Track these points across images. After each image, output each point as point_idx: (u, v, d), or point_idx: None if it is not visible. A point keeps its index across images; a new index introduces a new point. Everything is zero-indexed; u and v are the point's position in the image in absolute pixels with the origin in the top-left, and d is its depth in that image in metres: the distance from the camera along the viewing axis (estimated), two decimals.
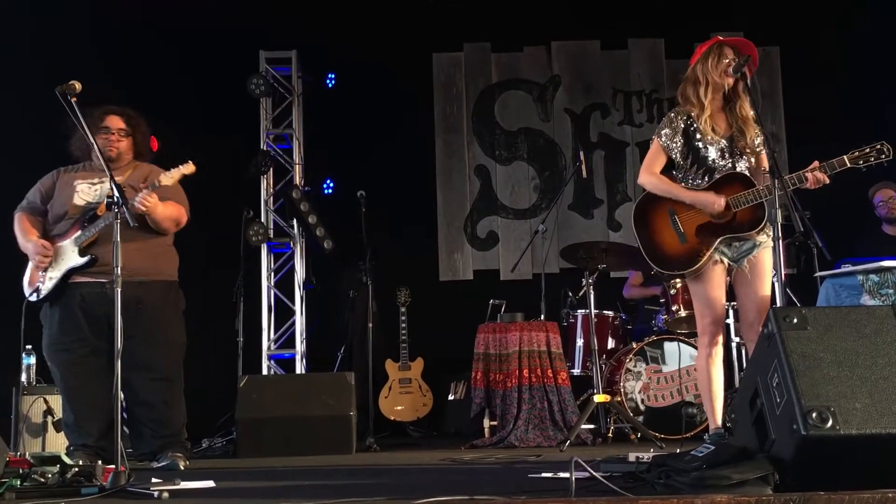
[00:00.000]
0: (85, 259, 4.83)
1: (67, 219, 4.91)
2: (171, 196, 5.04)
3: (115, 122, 5.08)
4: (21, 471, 3.45)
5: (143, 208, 4.79)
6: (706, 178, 4.21)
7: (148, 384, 4.94)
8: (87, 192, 4.99)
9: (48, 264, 4.86)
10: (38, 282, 4.86)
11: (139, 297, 4.84)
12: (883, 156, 3.98)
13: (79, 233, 4.86)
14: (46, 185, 5.06)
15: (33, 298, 4.90)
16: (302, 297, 8.11)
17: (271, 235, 8.04)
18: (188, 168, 5.03)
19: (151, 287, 4.97)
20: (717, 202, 4.09)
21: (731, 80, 4.14)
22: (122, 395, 4.90)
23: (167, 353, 5.06)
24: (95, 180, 5.02)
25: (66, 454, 4.76)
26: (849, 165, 4.00)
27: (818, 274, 5.10)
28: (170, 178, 4.94)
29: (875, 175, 4.50)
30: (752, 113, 4.16)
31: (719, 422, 4.23)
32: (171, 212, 5.02)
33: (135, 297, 4.79)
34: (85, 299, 4.85)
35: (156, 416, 4.98)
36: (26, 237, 4.95)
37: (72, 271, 4.85)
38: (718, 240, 4.12)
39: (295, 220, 8.04)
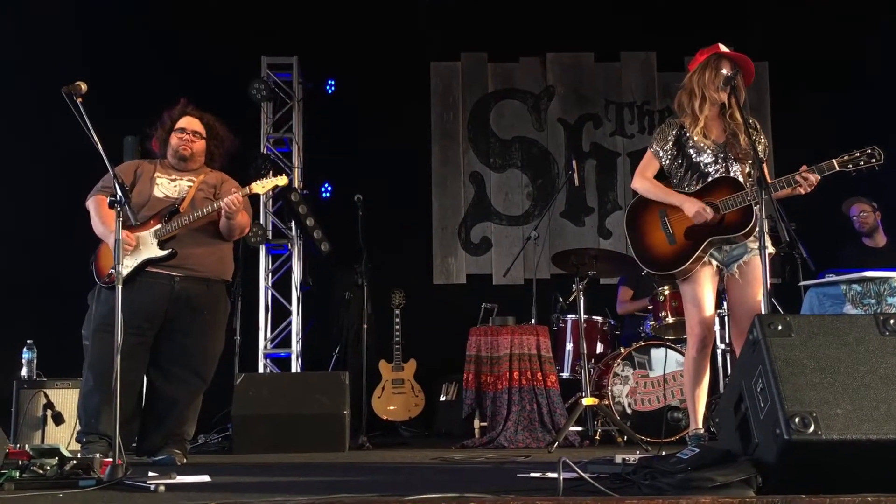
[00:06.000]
0: (165, 252, 4.79)
1: (146, 209, 4.84)
2: (245, 207, 5.05)
3: (193, 123, 5.07)
4: (20, 462, 3.41)
5: (232, 208, 4.80)
6: (700, 183, 4.23)
7: (182, 384, 4.91)
8: (166, 185, 4.98)
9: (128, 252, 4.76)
10: (112, 268, 4.66)
11: (200, 295, 4.87)
12: (874, 160, 3.96)
13: (159, 226, 4.81)
14: (126, 172, 4.89)
15: (105, 284, 4.79)
16: (299, 298, 8.12)
17: (270, 237, 8.07)
18: (281, 180, 5.08)
19: (213, 286, 4.97)
20: (704, 214, 4.10)
21: (724, 95, 4.15)
22: (153, 386, 4.93)
23: (211, 358, 5.02)
24: (174, 176, 5.02)
25: (79, 441, 4.77)
26: (837, 169, 3.98)
27: (802, 283, 5.12)
28: (262, 187, 4.99)
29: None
30: (742, 122, 4.15)
31: (700, 423, 4.26)
32: (242, 220, 5.03)
33: (197, 293, 4.85)
34: (153, 289, 4.80)
35: (176, 415, 4.92)
36: (106, 224, 4.78)
37: (149, 262, 4.80)
38: (706, 241, 4.12)
39: (293, 223, 8.07)
